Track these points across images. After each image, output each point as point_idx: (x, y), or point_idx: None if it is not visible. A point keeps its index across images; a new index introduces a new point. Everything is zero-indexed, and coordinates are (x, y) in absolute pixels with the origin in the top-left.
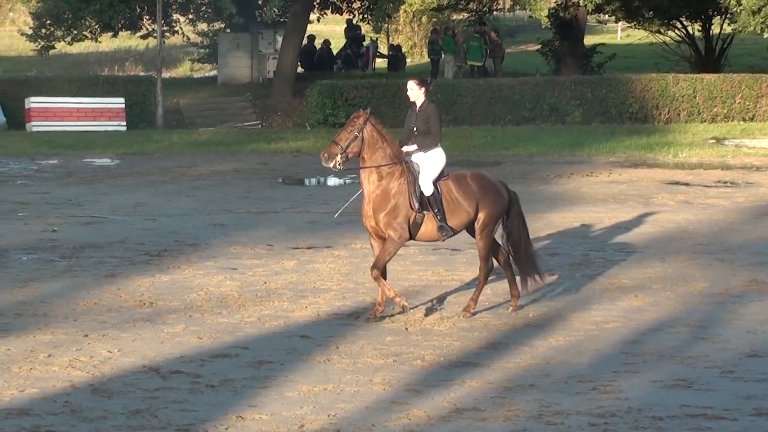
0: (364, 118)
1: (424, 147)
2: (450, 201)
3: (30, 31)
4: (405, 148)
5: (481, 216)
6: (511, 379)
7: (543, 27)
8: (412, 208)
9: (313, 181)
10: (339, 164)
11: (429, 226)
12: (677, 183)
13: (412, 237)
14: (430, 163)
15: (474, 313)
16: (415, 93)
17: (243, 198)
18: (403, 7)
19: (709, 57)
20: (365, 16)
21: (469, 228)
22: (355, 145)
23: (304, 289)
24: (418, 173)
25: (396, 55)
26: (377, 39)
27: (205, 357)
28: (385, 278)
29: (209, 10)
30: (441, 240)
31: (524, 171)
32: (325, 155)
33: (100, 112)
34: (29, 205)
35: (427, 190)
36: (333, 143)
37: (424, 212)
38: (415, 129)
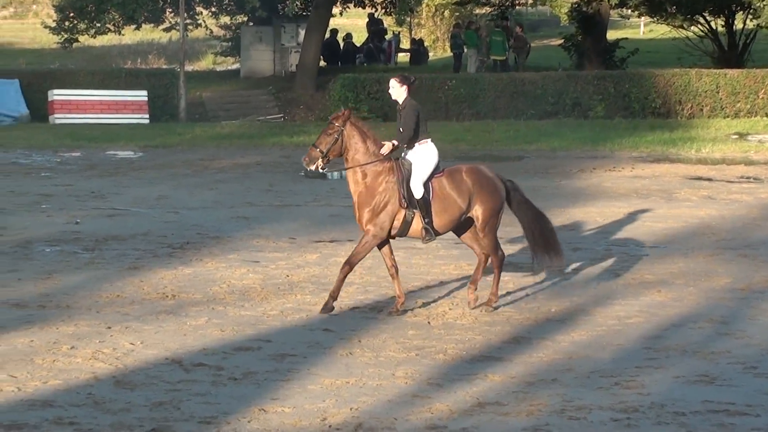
0: (343, 119)
1: (402, 141)
2: (442, 198)
3: (53, 24)
4: (383, 149)
5: (479, 212)
6: (534, 373)
7: (562, 24)
8: (402, 206)
9: (336, 174)
10: (321, 167)
11: (418, 224)
12: (700, 178)
13: (401, 234)
14: (422, 163)
15: (496, 307)
16: (397, 91)
17: (265, 191)
18: (425, 1)
19: (732, 52)
20: (388, 9)
21: (458, 226)
22: (335, 148)
23: (327, 283)
24: (410, 173)
25: (418, 49)
26: (399, 33)
27: (227, 349)
28: (396, 275)
29: (232, 3)
30: (423, 241)
31: (547, 166)
32: (306, 159)
33: (123, 105)
34: (52, 197)
35: (417, 192)
36: (313, 147)
37: (414, 210)
38: (400, 128)
